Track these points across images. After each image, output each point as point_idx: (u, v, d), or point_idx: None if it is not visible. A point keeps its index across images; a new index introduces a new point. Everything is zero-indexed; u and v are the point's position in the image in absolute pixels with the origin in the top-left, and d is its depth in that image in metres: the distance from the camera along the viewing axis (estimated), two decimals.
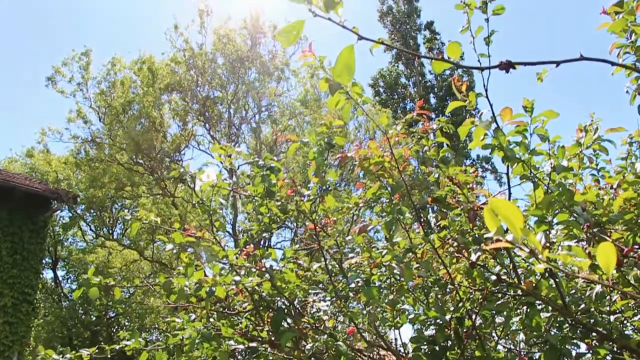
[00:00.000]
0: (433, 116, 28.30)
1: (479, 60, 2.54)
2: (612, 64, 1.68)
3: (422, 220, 3.19)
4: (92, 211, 20.69)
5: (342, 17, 1.09)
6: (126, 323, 23.08)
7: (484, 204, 2.93)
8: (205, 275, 2.67)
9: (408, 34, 28.07)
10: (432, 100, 27.87)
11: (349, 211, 3.01)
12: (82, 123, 18.58)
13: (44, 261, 17.39)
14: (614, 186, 3.35)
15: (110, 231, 21.32)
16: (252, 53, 18.40)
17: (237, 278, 2.66)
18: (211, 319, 3.10)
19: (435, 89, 27.90)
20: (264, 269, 2.75)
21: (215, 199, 2.83)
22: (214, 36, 18.44)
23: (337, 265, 3.12)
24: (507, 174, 2.95)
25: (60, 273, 24.75)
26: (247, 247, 3.00)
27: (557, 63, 1.53)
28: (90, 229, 22.65)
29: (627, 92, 2.72)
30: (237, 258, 2.92)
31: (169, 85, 17.99)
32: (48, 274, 24.01)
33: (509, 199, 3.11)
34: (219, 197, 2.87)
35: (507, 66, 1.31)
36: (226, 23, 18.64)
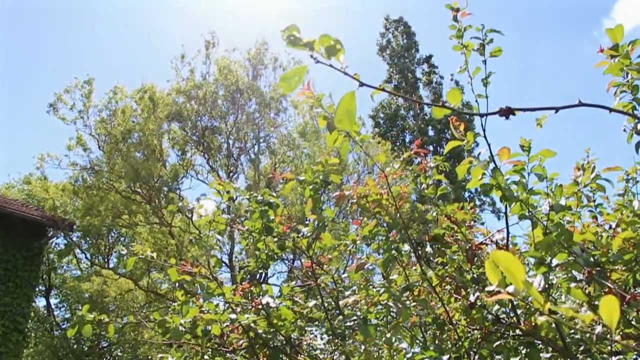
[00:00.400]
0: (431, 148, 28.41)
1: (476, 100, 2.57)
2: (611, 110, 1.69)
3: (419, 256, 3.17)
4: (88, 239, 20.57)
5: (344, 63, 1.10)
6: (119, 353, 22.70)
7: (482, 243, 2.92)
8: (201, 312, 2.64)
9: (407, 68, 28.42)
10: (431, 133, 28.05)
11: (346, 248, 3.00)
12: (81, 150, 18.63)
13: (37, 289, 17.21)
14: (613, 225, 3.34)
15: (106, 259, 21.15)
16: (252, 84, 18.58)
17: (233, 316, 2.63)
18: (205, 356, 3.05)
19: (434, 122, 28.12)
20: (260, 306, 2.72)
21: (212, 236, 2.81)
22: (216, 67, 18.65)
23: (333, 303, 3.08)
24: (505, 212, 2.95)
25: (53, 301, 24.46)
26: (244, 283, 2.96)
27: (556, 109, 1.54)
28: (86, 257, 22.48)
29: (624, 130, 2.74)
30: (233, 295, 2.89)
31: (170, 115, 18.11)
32: (40, 302, 23.72)
33: (507, 237, 3.10)
34: (215, 234, 2.85)
35: (506, 112, 1.32)
36: (229, 54, 18.89)
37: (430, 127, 28.19)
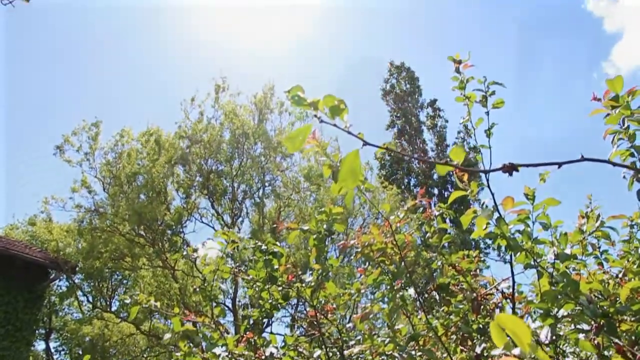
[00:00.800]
0: (436, 191, 28.35)
1: (478, 149, 2.59)
2: (613, 164, 1.71)
3: (424, 305, 3.14)
4: (90, 281, 20.43)
5: (348, 122, 1.12)
6: None
7: (488, 293, 2.89)
8: None
9: (410, 112, 28.75)
10: (436, 176, 28.12)
11: (351, 297, 2.97)
12: (86, 193, 18.72)
13: (37, 332, 16.99)
14: (619, 275, 3.31)
15: (108, 302, 20.95)
16: (258, 128, 18.79)
17: None
18: None
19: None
20: (263, 357, 2.68)
21: (215, 285, 2.80)
22: (222, 111, 18.91)
23: (338, 353, 3.04)
24: (510, 262, 2.93)
25: (53, 344, 24.09)
26: (247, 333, 2.93)
27: (559, 164, 1.55)
28: (88, 300, 22.27)
29: (624, 177, 2.74)
30: (236, 345, 2.85)
31: (175, 158, 18.26)
32: (40, 345, 23.37)
33: (513, 287, 3.07)
34: (219, 283, 2.84)
35: (510, 169, 1.33)
36: (234, 98, 19.17)
37: (434, 171, 28.28)
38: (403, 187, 26.81)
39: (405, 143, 28.59)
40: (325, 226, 2.64)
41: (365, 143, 1.09)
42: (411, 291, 2.97)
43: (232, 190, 18.93)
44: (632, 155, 2.05)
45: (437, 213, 3.03)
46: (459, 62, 2.36)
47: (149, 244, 18.12)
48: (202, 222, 19.42)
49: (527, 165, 1.47)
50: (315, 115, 1.07)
